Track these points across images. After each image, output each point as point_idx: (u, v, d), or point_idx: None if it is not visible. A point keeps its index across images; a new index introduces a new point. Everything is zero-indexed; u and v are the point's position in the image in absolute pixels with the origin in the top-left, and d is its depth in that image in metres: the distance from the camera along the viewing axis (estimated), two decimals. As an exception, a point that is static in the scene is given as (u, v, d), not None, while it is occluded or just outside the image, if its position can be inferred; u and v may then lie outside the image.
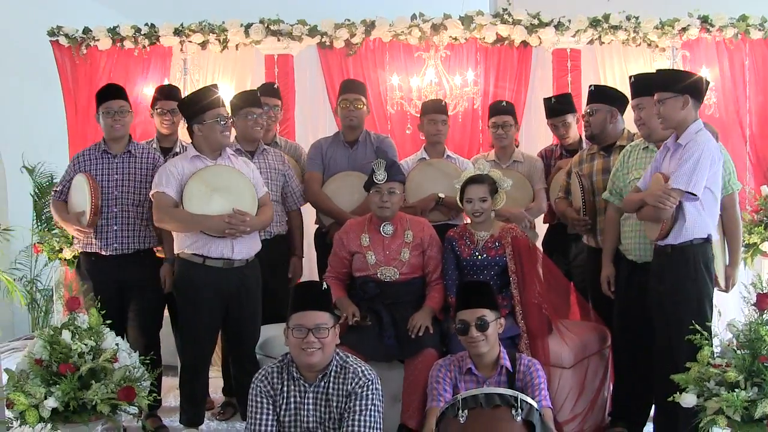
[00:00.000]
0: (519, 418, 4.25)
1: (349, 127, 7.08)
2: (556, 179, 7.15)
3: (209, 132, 5.93)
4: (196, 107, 5.96)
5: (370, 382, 4.57)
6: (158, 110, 6.93)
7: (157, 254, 6.49)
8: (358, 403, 4.50)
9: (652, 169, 5.56)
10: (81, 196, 6.16)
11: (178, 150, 6.90)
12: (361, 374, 4.59)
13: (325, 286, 4.73)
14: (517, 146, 7.53)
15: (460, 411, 4.30)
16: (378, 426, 4.53)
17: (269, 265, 6.47)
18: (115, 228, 6.20)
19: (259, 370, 4.76)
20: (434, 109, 7.17)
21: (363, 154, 7.01)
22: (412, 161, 7.18)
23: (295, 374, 4.63)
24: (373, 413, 4.52)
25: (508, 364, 4.98)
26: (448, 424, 4.36)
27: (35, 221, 9.08)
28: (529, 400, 4.38)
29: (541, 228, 7.56)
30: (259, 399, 4.63)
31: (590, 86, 6.73)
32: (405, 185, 6.48)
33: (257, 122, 6.75)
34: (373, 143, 7.08)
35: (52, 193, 6.50)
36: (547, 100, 7.43)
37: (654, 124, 5.68)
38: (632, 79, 6.06)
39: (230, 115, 6.13)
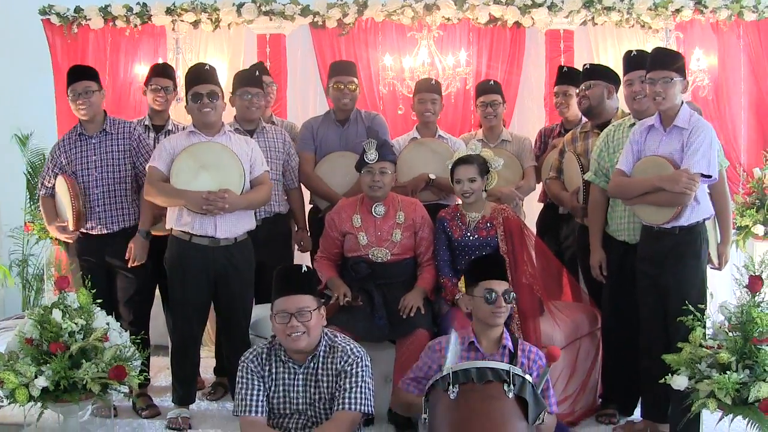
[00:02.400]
0: (511, 394, 4.21)
1: (342, 110, 7.05)
2: (549, 158, 7.13)
3: (190, 109, 5.99)
4: (186, 85, 5.99)
5: (359, 359, 4.55)
6: (152, 87, 6.88)
7: (152, 232, 6.46)
8: (348, 380, 4.48)
9: (633, 149, 5.56)
10: (64, 199, 6.19)
11: (170, 128, 6.88)
12: (349, 352, 4.57)
13: (305, 268, 4.68)
14: (505, 126, 7.50)
15: (451, 386, 4.25)
16: (369, 403, 4.51)
17: (267, 243, 6.48)
18: (98, 210, 6.20)
19: (248, 350, 4.72)
20: (426, 88, 7.13)
21: (355, 133, 6.97)
22: (403, 141, 7.15)
23: (283, 357, 4.60)
24: (363, 390, 4.50)
25: (510, 344, 4.96)
26: (439, 398, 4.30)
27: (28, 200, 9.05)
28: (522, 373, 4.33)
29: (533, 207, 7.55)
30: (249, 377, 4.59)
31: (585, 65, 6.68)
32: (396, 165, 6.45)
33: (252, 102, 6.70)
34: (365, 121, 7.06)
35: (39, 187, 6.48)
36: (560, 67, 7.41)
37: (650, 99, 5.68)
38: (633, 53, 6.04)
39: (221, 92, 6.08)
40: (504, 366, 4.28)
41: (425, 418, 4.33)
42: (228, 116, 6.52)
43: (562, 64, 7.57)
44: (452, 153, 6.40)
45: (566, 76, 7.16)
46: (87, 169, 6.22)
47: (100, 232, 6.23)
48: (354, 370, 4.51)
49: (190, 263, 5.91)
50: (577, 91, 6.55)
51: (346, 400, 4.44)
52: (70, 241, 6.27)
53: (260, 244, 6.30)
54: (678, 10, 8.13)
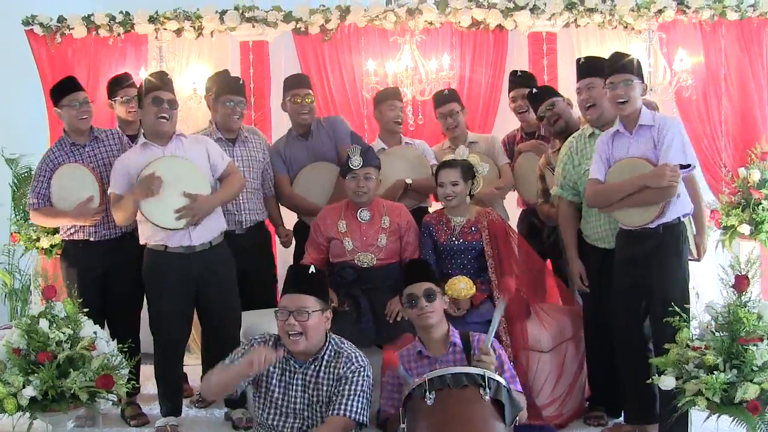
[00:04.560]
0: (487, 398, 4.25)
1: (301, 124, 7.03)
2: (520, 164, 7.18)
3: (145, 113, 5.99)
4: (145, 90, 6.00)
5: (362, 369, 4.58)
6: (123, 98, 6.90)
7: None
8: (347, 387, 4.50)
9: (602, 157, 5.58)
10: (76, 185, 6.18)
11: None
12: (354, 359, 4.60)
13: (312, 269, 4.72)
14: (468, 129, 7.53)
15: (428, 393, 4.29)
16: (365, 413, 4.53)
17: (250, 251, 6.50)
18: (102, 214, 6.20)
19: (258, 336, 4.79)
20: (390, 96, 7.22)
21: (319, 142, 6.99)
22: None
23: (285, 354, 4.63)
24: (361, 399, 4.52)
25: (458, 340, 5.00)
26: (416, 405, 4.34)
27: (13, 211, 9.03)
28: (497, 377, 4.38)
29: (514, 211, 7.57)
30: (247, 349, 4.64)
31: (579, 60, 6.59)
32: None
33: (235, 110, 6.67)
34: (326, 128, 7.07)
35: (30, 204, 6.37)
36: (513, 72, 7.47)
37: (605, 104, 5.72)
38: (582, 60, 6.09)
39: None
40: (479, 371, 4.34)
41: (404, 428, 4.37)
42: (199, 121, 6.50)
43: (516, 69, 7.59)
44: (421, 155, 6.44)
45: (521, 80, 7.26)
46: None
47: (102, 238, 6.25)
48: (355, 378, 4.53)
49: (168, 272, 5.93)
50: (543, 111, 6.55)
51: (343, 407, 4.47)
52: (97, 219, 6.20)
53: (243, 253, 6.33)
54: (660, 11, 8.12)
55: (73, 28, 8.48)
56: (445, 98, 7.28)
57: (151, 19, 8.42)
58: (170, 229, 5.81)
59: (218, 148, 6.23)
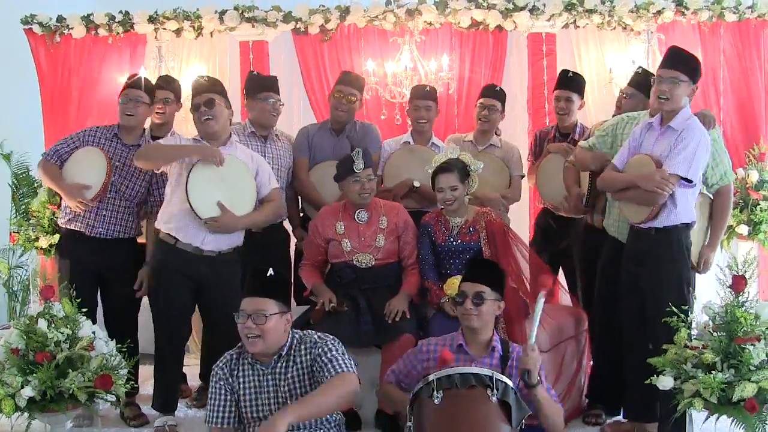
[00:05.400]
0: (495, 399, 4.25)
1: (336, 120, 7.06)
2: (545, 165, 7.09)
3: (194, 121, 6.05)
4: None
5: (327, 340, 4.57)
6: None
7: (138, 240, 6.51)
8: (324, 357, 4.46)
9: (630, 146, 5.55)
10: (89, 169, 6.19)
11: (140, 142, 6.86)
12: (316, 339, 4.59)
13: (271, 272, 4.66)
14: (498, 135, 7.46)
15: (435, 391, 4.28)
16: (352, 368, 4.47)
17: (266, 250, 6.48)
18: (104, 213, 6.23)
19: (220, 358, 4.75)
20: (421, 95, 7.17)
21: (348, 143, 6.96)
22: (395, 143, 7.19)
23: (250, 359, 4.62)
24: (344, 357, 4.49)
25: (500, 347, 4.96)
26: (423, 404, 4.34)
27: (13, 212, 9.02)
28: (505, 379, 4.37)
29: (514, 214, 7.56)
30: (217, 387, 4.64)
31: (639, 67, 6.58)
32: (384, 167, 6.61)
33: (275, 108, 6.78)
34: (359, 132, 7.08)
35: (46, 154, 6.42)
36: (564, 71, 7.33)
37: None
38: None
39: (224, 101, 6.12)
40: (487, 372, 4.34)
41: (410, 426, 4.37)
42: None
43: (567, 69, 7.50)
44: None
45: (570, 81, 7.15)
46: (116, 173, 6.26)
47: (97, 235, 6.24)
48: (325, 348, 4.51)
49: (173, 268, 5.93)
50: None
51: (333, 368, 4.42)
52: (80, 209, 6.18)
53: (259, 251, 6.30)
54: (659, 12, 8.13)
55: (72, 28, 8.48)
56: (493, 93, 7.28)
57: (151, 19, 8.43)
58: (195, 215, 5.80)
59: (270, 171, 6.26)
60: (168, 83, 6.98)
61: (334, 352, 4.49)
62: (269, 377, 4.60)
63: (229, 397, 4.62)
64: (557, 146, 7.03)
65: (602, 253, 6.11)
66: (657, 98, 5.38)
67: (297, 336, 4.67)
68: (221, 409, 4.61)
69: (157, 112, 6.82)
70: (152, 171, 6.24)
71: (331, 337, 4.65)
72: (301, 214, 7.21)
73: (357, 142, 6.78)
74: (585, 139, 6.24)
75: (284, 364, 4.59)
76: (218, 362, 4.71)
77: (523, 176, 7.30)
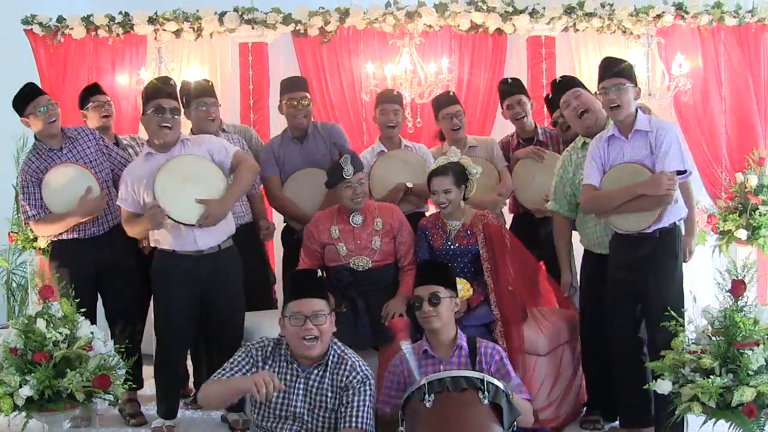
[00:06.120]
0: (486, 401, 4.27)
1: (297, 127, 7.02)
2: (518, 171, 7.12)
3: (147, 121, 5.96)
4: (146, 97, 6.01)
5: (366, 379, 4.59)
6: (95, 104, 6.92)
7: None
8: (356, 398, 4.51)
9: (597, 163, 5.58)
10: (69, 184, 6.18)
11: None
12: (358, 368, 4.60)
13: (319, 273, 4.74)
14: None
15: (426, 395, 4.30)
16: (373, 425, 4.56)
17: (242, 251, 6.40)
18: (107, 199, 6.25)
19: (256, 340, 4.76)
20: (387, 99, 7.15)
21: (315, 147, 6.98)
22: (369, 154, 7.12)
23: (289, 357, 4.63)
24: (369, 410, 4.54)
25: (465, 344, 5.03)
26: (414, 408, 4.35)
27: (15, 212, 9.03)
28: (496, 381, 4.39)
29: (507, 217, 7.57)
30: (244, 355, 4.65)
31: (555, 80, 6.64)
32: (369, 180, 6.56)
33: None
34: (322, 133, 7.06)
35: (30, 216, 6.31)
36: (503, 80, 7.44)
37: (597, 109, 5.81)
38: (558, 79, 6.26)
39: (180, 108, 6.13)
40: (478, 375, 4.37)
41: (402, 430, 4.39)
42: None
43: (505, 77, 7.57)
44: (422, 161, 6.46)
45: (515, 86, 7.29)
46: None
47: (91, 235, 6.25)
48: (363, 389, 4.55)
49: (176, 274, 5.92)
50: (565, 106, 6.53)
51: (354, 419, 4.48)
52: (104, 207, 6.24)
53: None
54: (659, 16, 8.14)
55: (72, 29, 8.48)
56: (450, 99, 7.20)
57: (151, 20, 8.43)
58: (185, 225, 5.81)
59: (220, 142, 6.21)
60: (100, 88, 7.10)
61: (365, 397, 4.55)
62: (302, 380, 4.60)
63: (245, 370, 4.60)
64: (524, 151, 7.13)
65: (582, 268, 6.18)
66: (609, 109, 5.47)
67: (337, 347, 4.69)
68: (237, 367, 4.61)
69: (102, 116, 6.90)
70: (101, 152, 6.36)
71: (371, 374, 4.68)
72: (284, 224, 7.20)
73: (323, 143, 6.88)
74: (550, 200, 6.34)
75: (321, 373, 4.60)
76: (254, 342, 4.73)
77: (507, 165, 7.26)
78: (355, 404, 4.50)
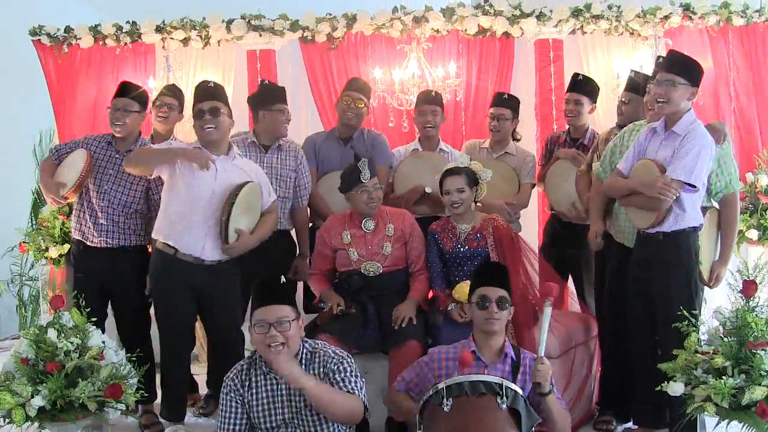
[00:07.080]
0: (504, 406, 4.25)
1: (345, 125, 7.07)
2: (553, 170, 7.07)
3: (194, 127, 5.99)
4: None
5: (342, 359, 4.58)
6: (157, 104, 6.91)
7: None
8: (338, 376, 4.48)
9: (635, 152, 5.53)
10: (72, 170, 6.22)
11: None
12: (331, 354, 4.59)
13: (283, 279, 4.73)
14: (518, 140, 7.47)
15: (445, 399, 4.29)
16: (364, 392, 4.52)
17: (269, 257, 6.40)
18: (102, 222, 6.21)
19: (231, 369, 4.74)
20: (426, 100, 7.20)
21: (357, 150, 6.90)
22: (404, 151, 7.21)
23: (264, 369, 4.62)
24: (358, 381, 4.52)
25: (512, 353, 4.95)
26: (433, 412, 4.35)
27: (29, 222, 9.06)
28: (514, 386, 4.38)
29: (531, 218, 7.55)
30: (228, 398, 4.64)
31: (632, 71, 6.66)
32: (394, 176, 6.64)
33: (288, 118, 6.80)
34: (367, 141, 7.07)
35: (50, 154, 6.52)
36: (575, 75, 7.33)
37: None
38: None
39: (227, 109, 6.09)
40: (496, 379, 4.35)
41: None
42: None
43: (578, 72, 7.49)
44: (449, 167, 6.47)
45: (580, 85, 7.15)
46: (101, 179, 6.26)
47: (98, 245, 6.24)
48: (342, 367, 4.53)
49: (174, 276, 5.92)
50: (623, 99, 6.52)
51: (345, 387, 4.45)
52: (57, 203, 6.34)
53: (261, 256, 6.24)
54: (666, 17, 8.12)
55: (80, 38, 8.52)
56: (501, 101, 7.26)
57: (158, 29, 8.46)
58: (225, 242, 5.84)
59: (268, 182, 6.25)
60: (173, 92, 7.06)
61: (347, 373, 4.51)
62: (283, 387, 4.58)
63: (240, 410, 4.61)
64: (566, 152, 7.02)
65: (609, 260, 6.10)
66: (655, 101, 5.37)
67: (307, 345, 4.67)
68: (233, 421, 4.61)
69: (159, 116, 6.91)
70: (147, 177, 6.19)
71: (346, 354, 4.66)
72: (310, 224, 7.13)
73: (364, 152, 6.70)
74: (597, 159, 6.24)
75: None
76: (228, 374, 4.71)
77: (534, 185, 7.27)
78: (339, 378, 4.47)
